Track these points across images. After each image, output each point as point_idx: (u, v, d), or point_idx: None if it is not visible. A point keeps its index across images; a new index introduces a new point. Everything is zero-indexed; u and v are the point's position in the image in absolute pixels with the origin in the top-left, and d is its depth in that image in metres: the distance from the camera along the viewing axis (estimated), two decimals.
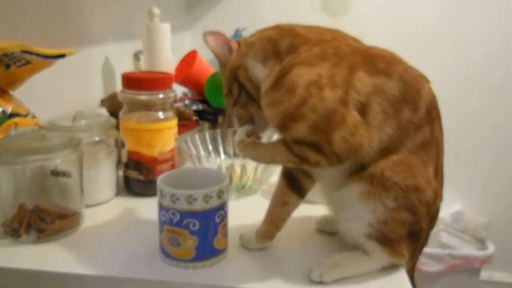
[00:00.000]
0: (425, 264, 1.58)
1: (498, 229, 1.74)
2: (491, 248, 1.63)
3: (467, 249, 1.65)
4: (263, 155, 0.58)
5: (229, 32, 1.65)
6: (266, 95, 0.55)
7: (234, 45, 0.61)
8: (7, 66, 0.68)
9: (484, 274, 1.69)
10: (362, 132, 0.52)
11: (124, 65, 1.19)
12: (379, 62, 0.54)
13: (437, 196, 0.56)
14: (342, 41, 0.56)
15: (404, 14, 1.67)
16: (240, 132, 0.62)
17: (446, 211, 1.73)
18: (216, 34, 0.61)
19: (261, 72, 0.58)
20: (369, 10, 1.67)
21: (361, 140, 0.52)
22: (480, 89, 1.71)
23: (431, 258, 1.59)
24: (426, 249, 0.60)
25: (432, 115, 0.55)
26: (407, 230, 0.54)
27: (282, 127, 0.54)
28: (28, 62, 0.68)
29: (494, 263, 1.62)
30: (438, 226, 1.71)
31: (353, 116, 0.52)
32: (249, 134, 0.61)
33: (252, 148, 0.58)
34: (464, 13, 1.65)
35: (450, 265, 1.59)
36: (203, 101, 1.06)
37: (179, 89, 1.17)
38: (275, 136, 0.78)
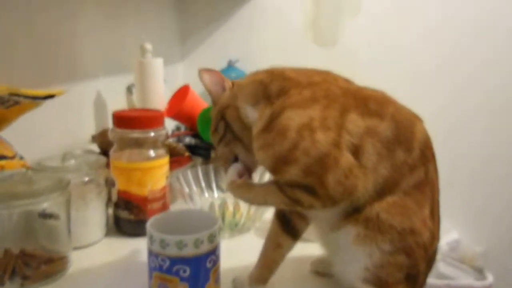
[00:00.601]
0: None
1: (495, 258, 1.72)
2: (490, 278, 1.60)
3: (466, 279, 1.62)
4: (255, 197, 0.56)
5: (222, 64, 1.65)
6: (258, 138, 0.55)
7: (228, 84, 0.61)
8: None
9: None
10: (356, 174, 0.51)
11: (117, 99, 1.19)
12: (371, 103, 0.54)
13: (434, 237, 0.55)
14: (333, 83, 0.56)
15: (395, 48, 1.68)
16: (231, 172, 0.60)
17: (443, 240, 1.70)
18: (212, 72, 0.61)
19: (252, 115, 0.57)
20: (359, 42, 1.68)
21: (356, 182, 0.51)
22: (476, 119, 1.72)
23: None
24: None
25: (426, 155, 0.55)
26: (405, 273, 0.53)
27: (274, 170, 0.53)
28: (16, 103, 0.67)
29: None
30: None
31: (347, 158, 0.51)
32: (240, 175, 0.60)
33: (244, 189, 0.57)
34: (459, 48, 1.66)
35: None
36: (196, 135, 1.05)
37: (172, 122, 1.17)
38: (267, 175, 0.77)
